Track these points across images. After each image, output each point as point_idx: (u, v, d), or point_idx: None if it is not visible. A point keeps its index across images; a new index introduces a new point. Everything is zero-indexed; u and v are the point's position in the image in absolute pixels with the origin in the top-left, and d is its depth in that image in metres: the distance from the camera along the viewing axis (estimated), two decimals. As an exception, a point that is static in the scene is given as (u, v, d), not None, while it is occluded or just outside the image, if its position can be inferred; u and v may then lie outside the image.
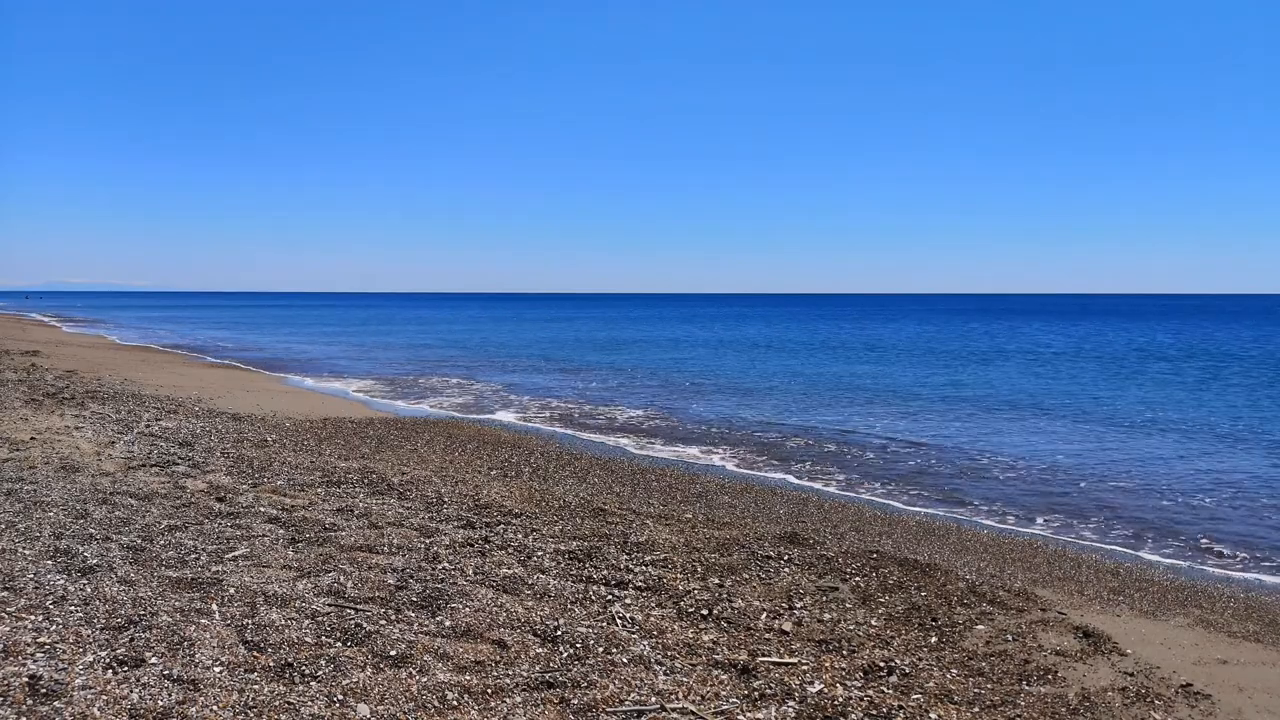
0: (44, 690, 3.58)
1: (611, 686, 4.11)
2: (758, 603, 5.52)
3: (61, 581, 4.85)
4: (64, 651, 3.96)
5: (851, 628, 5.14)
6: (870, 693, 4.22)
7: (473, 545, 6.37)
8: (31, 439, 9.25)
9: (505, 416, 15.89)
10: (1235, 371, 27.18)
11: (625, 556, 6.32)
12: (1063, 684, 4.53)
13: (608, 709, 3.90)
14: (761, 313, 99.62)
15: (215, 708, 3.60)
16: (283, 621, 4.54)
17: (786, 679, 4.33)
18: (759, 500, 9.26)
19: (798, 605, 5.51)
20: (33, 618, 4.31)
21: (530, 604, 5.17)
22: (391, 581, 5.35)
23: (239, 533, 6.21)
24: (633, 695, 4.04)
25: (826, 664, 4.57)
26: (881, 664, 4.57)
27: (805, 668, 4.51)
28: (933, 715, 4.04)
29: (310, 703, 3.73)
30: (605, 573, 5.89)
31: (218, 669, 3.94)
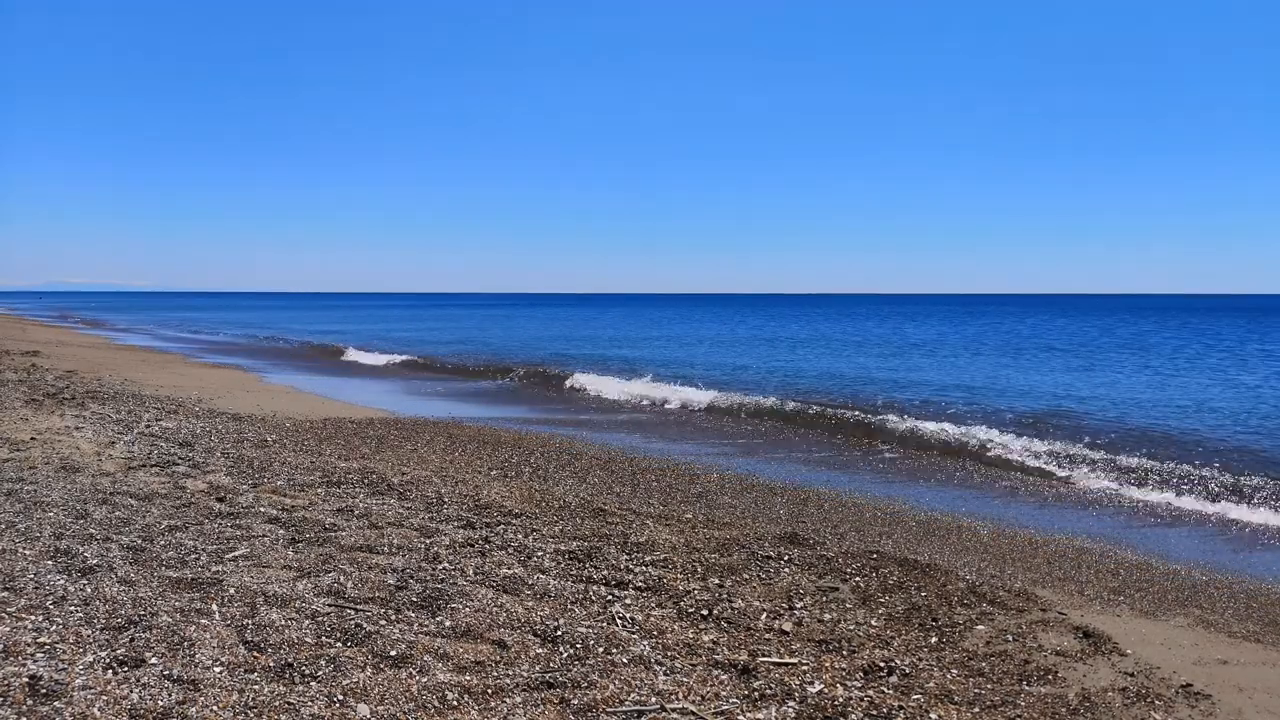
0: (44, 690, 3.59)
1: (611, 687, 4.11)
2: (758, 603, 5.52)
3: (61, 582, 4.85)
4: (64, 651, 3.97)
5: (851, 628, 5.14)
6: (870, 693, 4.22)
7: (473, 545, 6.37)
8: (31, 439, 9.25)
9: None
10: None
11: (625, 557, 6.32)
12: (1063, 684, 4.54)
13: (608, 709, 3.90)
14: (783, 312, 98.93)
15: (215, 708, 3.60)
16: (283, 622, 4.54)
17: (786, 679, 4.33)
18: (759, 500, 9.27)
19: (798, 605, 5.51)
20: (33, 618, 4.31)
21: (530, 604, 5.17)
22: (391, 581, 5.35)
23: (239, 533, 6.21)
24: (633, 695, 4.04)
25: (826, 664, 4.57)
26: (882, 664, 4.57)
27: (805, 668, 4.51)
28: (933, 715, 4.04)
29: (310, 703, 3.73)
30: (605, 573, 5.89)
31: (218, 669, 3.95)
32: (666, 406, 18.24)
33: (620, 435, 14.05)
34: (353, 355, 30.73)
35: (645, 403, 18.69)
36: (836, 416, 15.88)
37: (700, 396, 18.62)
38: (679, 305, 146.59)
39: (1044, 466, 11.98)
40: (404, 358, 29.39)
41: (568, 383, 21.95)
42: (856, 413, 16.16)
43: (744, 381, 22.72)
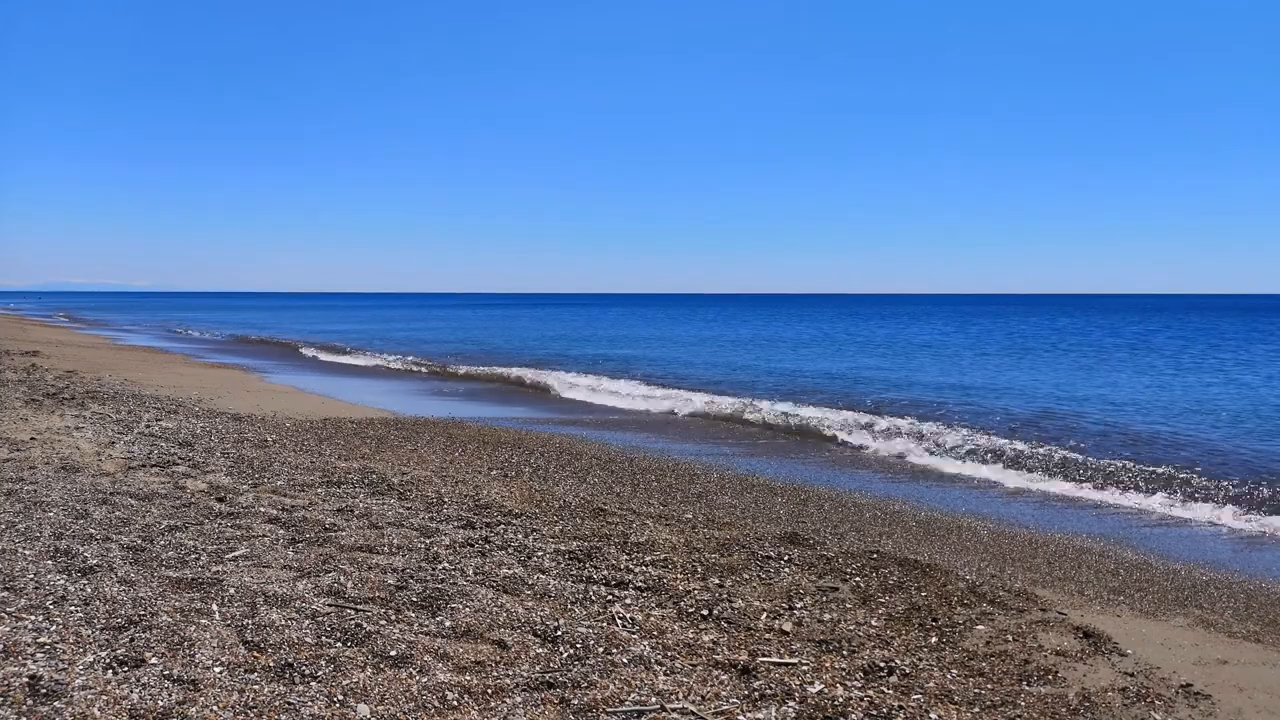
0: (44, 690, 3.59)
1: (611, 686, 4.11)
2: (758, 603, 5.52)
3: (61, 581, 4.85)
4: (64, 651, 3.97)
5: (851, 628, 5.15)
6: (870, 693, 4.22)
7: (473, 545, 6.37)
8: (31, 439, 9.25)
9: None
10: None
11: (625, 557, 6.32)
12: (1063, 684, 4.54)
13: (608, 709, 3.90)
14: (788, 312, 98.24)
15: (215, 708, 3.60)
16: (283, 621, 4.54)
17: (786, 679, 4.33)
18: (759, 500, 9.27)
19: (798, 605, 5.51)
20: (33, 618, 4.31)
21: (530, 604, 5.17)
22: (391, 581, 5.35)
23: (239, 533, 6.21)
24: (633, 695, 4.04)
25: (826, 664, 4.58)
26: (881, 664, 4.57)
27: (805, 668, 4.51)
28: (933, 715, 4.04)
29: (310, 703, 3.73)
30: (605, 573, 5.89)
31: (218, 669, 3.95)
32: (631, 408, 18.06)
33: (603, 433, 14.05)
34: (331, 357, 30.97)
35: (620, 404, 18.62)
36: (806, 421, 15.73)
37: (686, 399, 18.58)
38: (683, 305, 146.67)
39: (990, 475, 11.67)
40: (393, 358, 29.46)
41: (547, 381, 22.08)
42: (840, 415, 16.15)
43: (737, 383, 22.73)
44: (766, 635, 4.97)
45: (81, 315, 66.98)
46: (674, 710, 3.93)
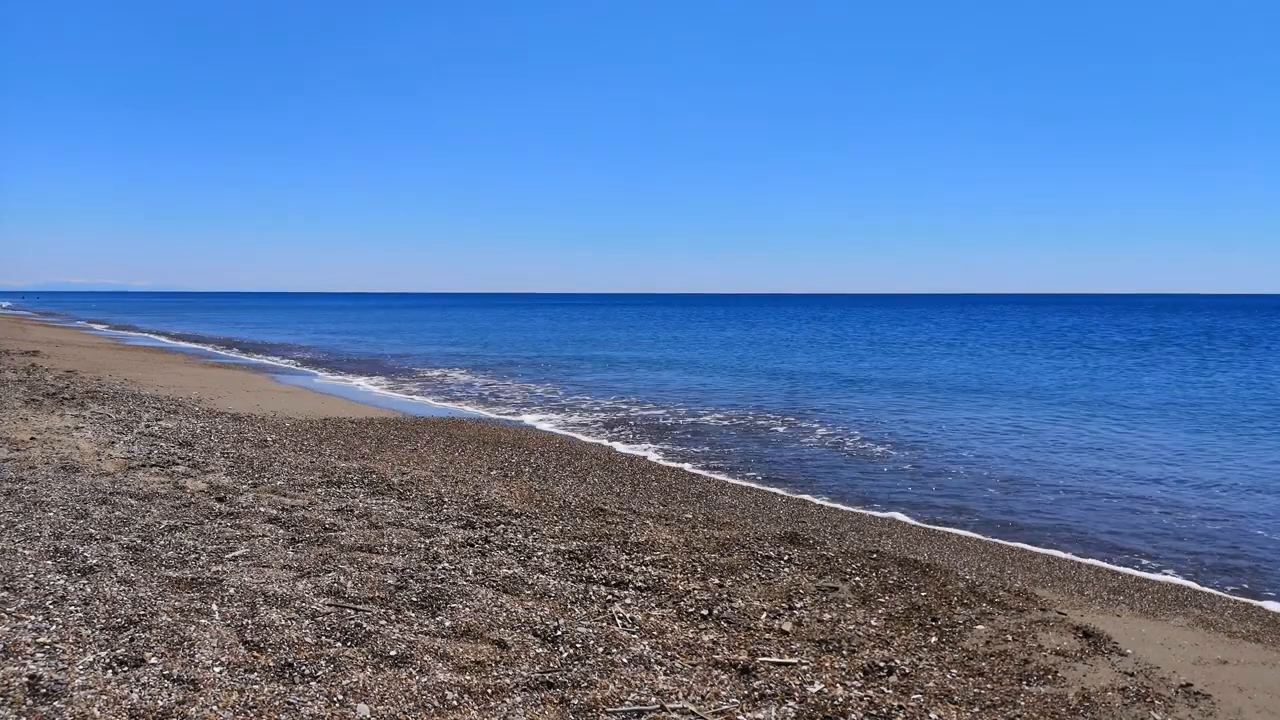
0: (44, 690, 3.58)
1: (611, 686, 4.11)
2: (758, 603, 5.52)
3: (61, 581, 4.85)
4: (64, 651, 3.96)
5: (851, 628, 5.14)
6: (870, 693, 4.22)
7: (473, 545, 6.37)
8: (31, 439, 9.25)
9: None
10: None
11: (625, 556, 6.32)
12: (1063, 684, 4.54)
13: (608, 709, 3.90)
14: (801, 314, 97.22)
15: (215, 708, 3.60)
16: (283, 621, 4.54)
17: (786, 679, 4.33)
18: (759, 500, 9.27)
19: (798, 605, 5.51)
20: (33, 618, 4.31)
21: (530, 604, 5.17)
22: (391, 581, 5.35)
23: (239, 533, 6.21)
24: (633, 695, 4.04)
25: (826, 664, 4.57)
26: (881, 664, 4.57)
27: (805, 668, 4.51)
28: (933, 715, 4.04)
29: (310, 703, 3.73)
30: (605, 573, 5.89)
31: (218, 669, 3.95)
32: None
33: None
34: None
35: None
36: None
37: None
38: (688, 306, 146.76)
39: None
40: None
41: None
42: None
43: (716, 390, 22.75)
44: (766, 635, 4.97)
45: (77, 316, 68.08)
46: (674, 710, 3.93)
